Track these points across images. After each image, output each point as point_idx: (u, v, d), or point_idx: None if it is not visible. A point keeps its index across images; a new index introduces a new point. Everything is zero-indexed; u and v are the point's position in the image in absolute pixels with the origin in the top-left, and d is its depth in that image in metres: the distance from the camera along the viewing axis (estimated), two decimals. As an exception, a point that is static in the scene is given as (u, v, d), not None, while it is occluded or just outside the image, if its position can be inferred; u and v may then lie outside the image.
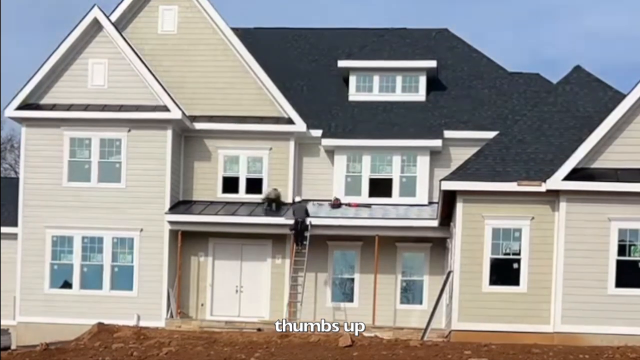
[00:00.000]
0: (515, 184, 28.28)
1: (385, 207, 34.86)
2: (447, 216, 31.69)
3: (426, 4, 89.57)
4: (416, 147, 35.12)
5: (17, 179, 38.11)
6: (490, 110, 36.37)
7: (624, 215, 27.58)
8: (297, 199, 34.68)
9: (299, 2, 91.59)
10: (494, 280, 28.50)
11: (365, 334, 29.15)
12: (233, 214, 34.49)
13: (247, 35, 38.94)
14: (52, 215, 34.82)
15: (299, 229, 33.67)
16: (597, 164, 28.03)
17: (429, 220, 33.43)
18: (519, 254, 28.44)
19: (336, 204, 34.82)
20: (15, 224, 35.70)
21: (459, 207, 28.82)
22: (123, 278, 34.73)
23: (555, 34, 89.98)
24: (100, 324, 30.17)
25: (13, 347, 32.67)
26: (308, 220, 33.74)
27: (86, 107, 34.96)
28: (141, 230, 34.61)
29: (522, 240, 28.37)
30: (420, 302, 34.63)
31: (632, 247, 27.66)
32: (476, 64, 38.66)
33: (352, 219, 34.00)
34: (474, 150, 31.37)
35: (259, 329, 31.57)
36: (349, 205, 34.82)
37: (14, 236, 35.70)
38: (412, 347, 26.34)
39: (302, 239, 33.84)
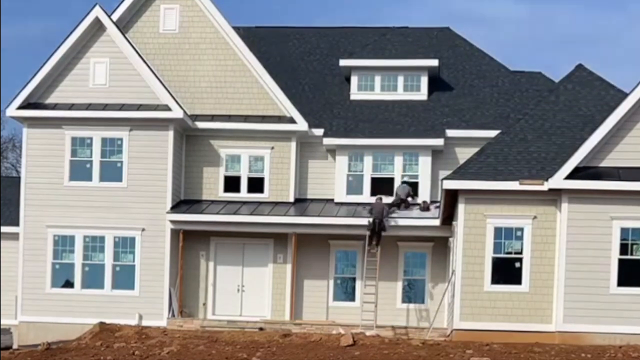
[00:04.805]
0: (517, 182, 28.27)
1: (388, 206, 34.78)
2: (449, 215, 31.67)
3: (428, 3, 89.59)
4: (418, 146, 35.08)
5: (19, 178, 38.12)
6: (492, 109, 36.35)
7: (626, 214, 27.56)
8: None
9: (300, 1, 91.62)
10: (496, 280, 28.48)
11: (367, 333, 29.17)
12: (235, 213, 34.45)
13: (248, 34, 38.95)
14: (54, 215, 34.81)
15: (377, 229, 33.16)
16: (599, 163, 28.01)
17: (431, 219, 33.39)
18: (521, 253, 28.43)
19: (425, 207, 34.44)
20: (16, 224, 35.69)
21: (461, 206, 28.80)
22: (125, 277, 34.70)
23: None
24: (101, 324, 30.22)
25: (15, 346, 32.64)
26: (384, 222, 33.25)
27: (88, 107, 34.94)
28: (143, 229, 34.59)
29: (524, 239, 28.35)
30: (422, 301, 34.59)
31: (634, 246, 27.64)
32: (478, 63, 38.64)
33: (354, 218, 33.94)
34: (476, 149, 31.37)
35: (260, 328, 31.57)
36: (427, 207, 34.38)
37: (15, 236, 35.68)
38: (413, 346, 26.36)
39: (378, 240, 33.24)
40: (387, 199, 34.85)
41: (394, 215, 33.87)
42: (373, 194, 35.23)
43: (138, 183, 34.69)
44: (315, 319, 33.86)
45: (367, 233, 33.24)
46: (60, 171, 34.95)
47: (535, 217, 28.30)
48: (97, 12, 34.91)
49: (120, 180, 34.79)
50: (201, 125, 35.50)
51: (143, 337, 28.75)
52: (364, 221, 33.74)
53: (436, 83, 37.45)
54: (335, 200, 35.37)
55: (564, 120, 30.58)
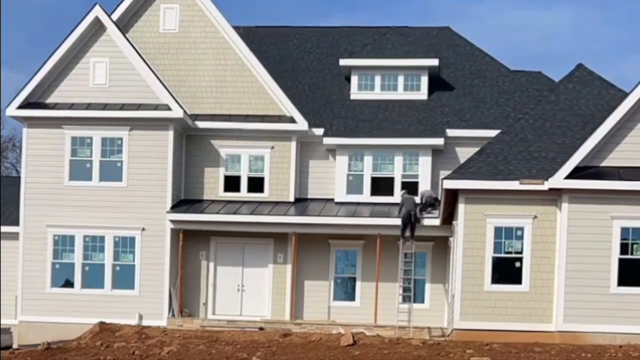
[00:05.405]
0: (517, 182, 28.26)
1: (388, 205, 34.80)
2: (449, 215, 31.65)
3: (428, 2, 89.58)
4: (418, 146, 35.06)
5: (19, 178, 38.11)
6: (493, 109, 36.33)
7: (627, 213, 27.55)
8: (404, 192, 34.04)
9: (301, 1, 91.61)
10: (496, 279, 28.49)
11: (368, 333, 29.15)
12: (234, 213, 34.43)
13: (248, 34, 38.93)
14: (54, 214, 34.80)
15: (412, 221, 32.96)
16: (599, 163, 28.01)
17: (431, 219, 33.36)
18: (521, 252, 28.42)
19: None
20: (16, 223, 35.68)
21: (461, 205, 28.79)
22: (125, 277, 34.69)
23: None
24: (101, 323, 30.21)
25: (15, 346, 32.62)
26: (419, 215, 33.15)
27: (87, 106, 34.92)
28: (143, 229, 34.57)
29: (524, 239, 28.34)
30: (423, 301, 34.55)
31: (635, 246, 27.63)
32: (478, 62, 38.62)
33: (354, 217, 33.94)
34: (477, 148, 31.36)
35: (260, 328, 31.55)
36: None
37: (15, 235, 35.67)
38: (414, 346, 26.34)
39: (412, 233, 33.06)
40: (388, 199, 34.88)
41: (394, 215, 33.82)
42: (373, 193, 35.23)
43: (138, 183, 34.68)
44: (316, 319, 33.86)
45: (400, 228, 33.06)
46: (60, 171, 34.94)
47: (535, 217, 28.29)
48: (97, 12, 34.89)
49: (120, 180, 34.78)
50: (201, 124, 35.49)
51: (143, 337, 28.73)
52: (365, 220, 33.75)
53: (436, 83, 37.42)
54: (336, 200, 35.36)
55: (565, 120, 30.57)
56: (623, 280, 27.52)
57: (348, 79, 37.71)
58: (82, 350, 27.21)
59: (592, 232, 27.58)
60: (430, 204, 33.67)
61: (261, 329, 31.40)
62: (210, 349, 26.58)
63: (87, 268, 34.91)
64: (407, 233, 33.13)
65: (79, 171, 34.93)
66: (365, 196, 35.27)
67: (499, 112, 36.08)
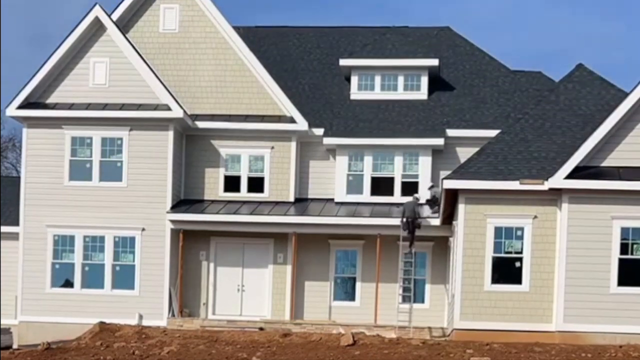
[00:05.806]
0: (517, 182, 28.26)
1: (388, 205, 34.81)
2: (449, 215, 31.65)
3: (428, 2, 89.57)
4: (418, 146, 35.07)
5: (19, 178, 38.10)
6: (493, 109, 36.34)
7: (627, 213, 27.55)
8: (416, 195, 33.92)
9: (301, 1, 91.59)
10: (496, 279, 28.49)
11: (368, 333, 29.15)
12: (234, 213, 34.43)
13: (248, 34, 38.94)
14: (54, 215, 34.79)
15: (410, 228, 32.86)
16: (599, 163, 28.01)
17: (431, 219, 33.36)
18: (521, 252, 28.42)
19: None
20: (16, 223, 35.67)
21: (461, 205, 28.79)
22: (125, 277, 34.68)
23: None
24: (101, 323, 30.20)
25: (15, 346, 32.62)
26: (418, 220, 32.93)
27: (87, 106, 34.92)
28: (143, 229, 34.57)
29: (525, 239, 28.34)
30: (423, 301, 34.55)
31: (635, 246, 27.63)
32: (478, 62, 38.62)
33: (354, 217, 33.93)
34: (477, 148, 31.36)
35: (260, 328, 31.54)
36: None
37: (15, 235, 35.66)
38: (414, 346, 26.35)
39: (412, 240, 32.92)
40: (388, 199, 34.89)
41: (394, 215, 33.83)
42: (373, 193, 35.24)
43: (138, 183, 34.68)
44: (316, 319, 33.85)
45: (404, 233, 32.95)
46: (60, 171, 34.94)
47: (535, 217, 28.29)
48: (97, 12, 34.90)
49: (120, 180, 34.78)
50: (201, 125, 35.48)
51: (143, 337, 28.73)
52: (365, 220, 33.75)
53: (436, 82, 37.42)
54: (336, 200, 35.36)
55: (565, 120, 30.57)
56: (623, 280, 27.52)
57: (348, 79, 37.71)
58: (82, 350, 27.21)
59: (592, 232, 27.58)
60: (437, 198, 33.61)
61: (261, 329, 31.39)
62: (210, 349, 26.58)
63: (87, 268, 34.91)
64: (408, 241, 32.95)
65: (79, 171, 34.93)
66: (365, 196, 35.26)
67: (499, 112, 36.08)
